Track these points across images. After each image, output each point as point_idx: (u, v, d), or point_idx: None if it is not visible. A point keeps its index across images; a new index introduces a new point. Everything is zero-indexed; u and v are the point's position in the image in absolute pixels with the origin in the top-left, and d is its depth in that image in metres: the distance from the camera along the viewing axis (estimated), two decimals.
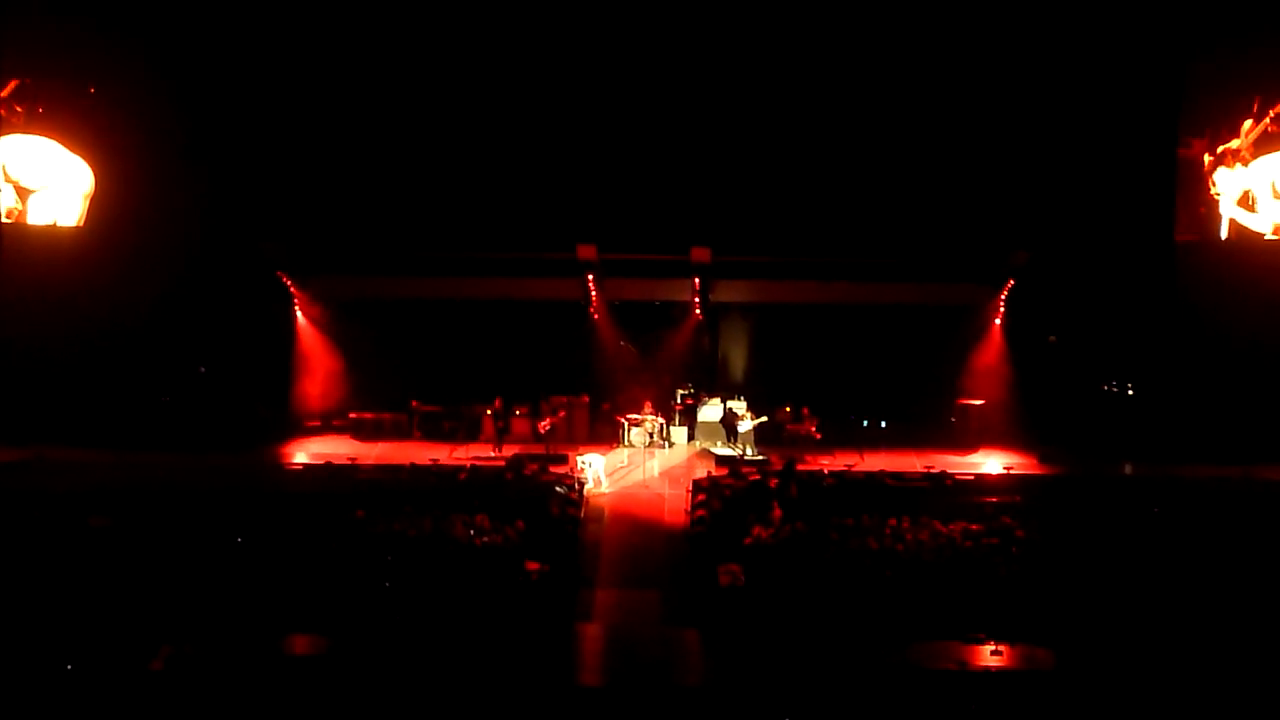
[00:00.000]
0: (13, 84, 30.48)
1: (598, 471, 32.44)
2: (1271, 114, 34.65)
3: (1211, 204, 35.66)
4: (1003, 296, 38.60)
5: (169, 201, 35.45)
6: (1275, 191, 35.03)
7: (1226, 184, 35.28)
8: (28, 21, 34.90)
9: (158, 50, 34.90)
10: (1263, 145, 35.02)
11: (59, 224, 35.70)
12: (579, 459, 33.05)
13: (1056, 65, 35.07)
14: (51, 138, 35.41)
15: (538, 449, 35.09)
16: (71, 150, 35.51)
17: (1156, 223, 35.92)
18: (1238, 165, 34.93)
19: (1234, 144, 34.97)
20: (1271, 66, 34.96)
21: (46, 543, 24.74)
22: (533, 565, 24.72)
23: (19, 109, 32.90)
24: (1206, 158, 35.10)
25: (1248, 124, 34.93)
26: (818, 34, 35.61)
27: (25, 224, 35.78)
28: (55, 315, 35.11)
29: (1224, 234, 35.78)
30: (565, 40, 35.71)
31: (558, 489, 30.05)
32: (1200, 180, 35.58)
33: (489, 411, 36.67)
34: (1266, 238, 35.57)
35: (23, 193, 35.30)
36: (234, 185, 36.00)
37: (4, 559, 23.71)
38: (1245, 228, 35.62)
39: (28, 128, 34.97)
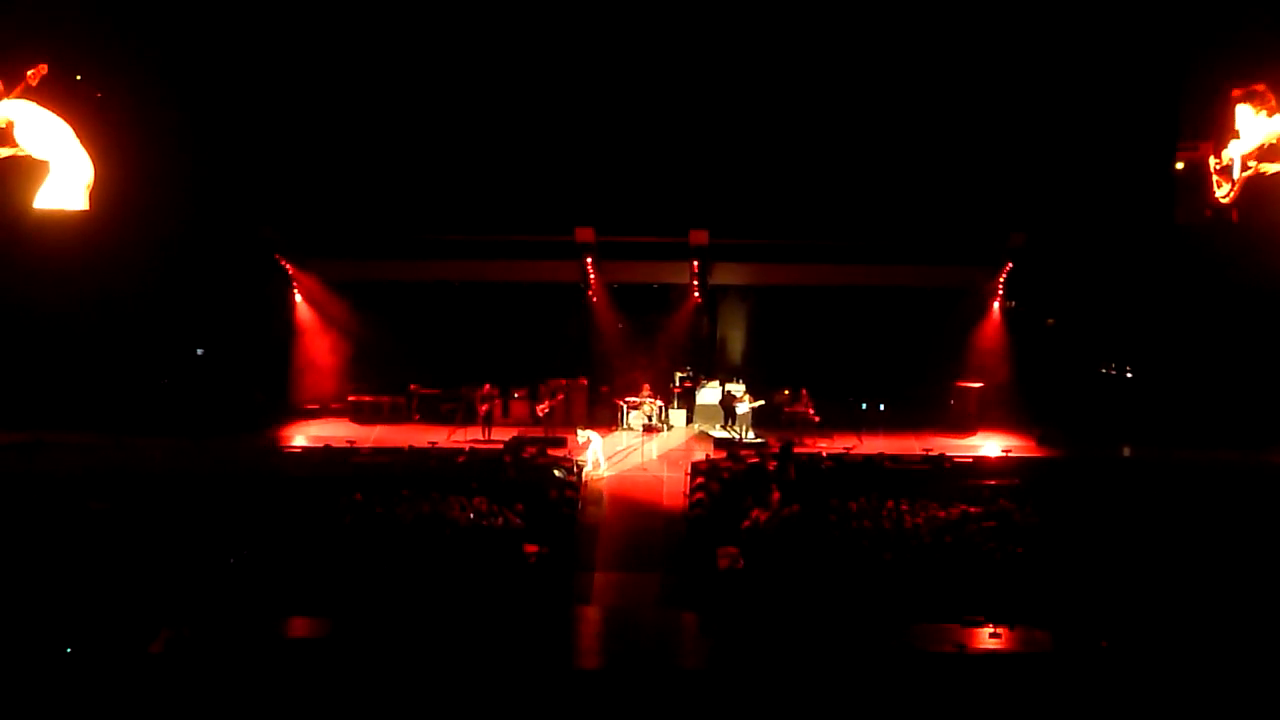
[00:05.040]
0: (42, 69, 29.98)
1: (597, 453, 32.44)
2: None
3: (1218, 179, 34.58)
4: (1001, 278, 38.56)
5: (167, 185, 35.18)
6: None
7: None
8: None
9: (157, 34, 34.67)
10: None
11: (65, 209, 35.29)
12: (579, 431, 33.08)
13: (1053, 44, 34.89)
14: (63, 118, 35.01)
15: (536, 432, 35.07)
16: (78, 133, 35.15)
17: (1155, 203, 35.77)
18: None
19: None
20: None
21: (46, 526, 24.77)
22: (531, 548, 24.78)
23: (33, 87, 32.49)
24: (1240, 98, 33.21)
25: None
26: (815, 17, 35.49)
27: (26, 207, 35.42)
28: (53, 299, 34.97)
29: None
30: (563, 21, 35.59)
31: (556, 472, 30.07)
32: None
33: (478, 395, 36.42)
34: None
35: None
36: (231, 168, 35.78)
37: (3, 542, 23.75)
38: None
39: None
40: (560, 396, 36.95)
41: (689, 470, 31.14)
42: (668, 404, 37.36)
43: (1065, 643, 20.52)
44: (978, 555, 23.69)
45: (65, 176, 32.93)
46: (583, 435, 32.85)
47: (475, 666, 19.65)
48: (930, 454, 32.65)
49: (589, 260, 38.39)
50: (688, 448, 34.57)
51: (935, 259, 38.21)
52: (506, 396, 37.34)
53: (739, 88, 36.04)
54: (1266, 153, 29.83)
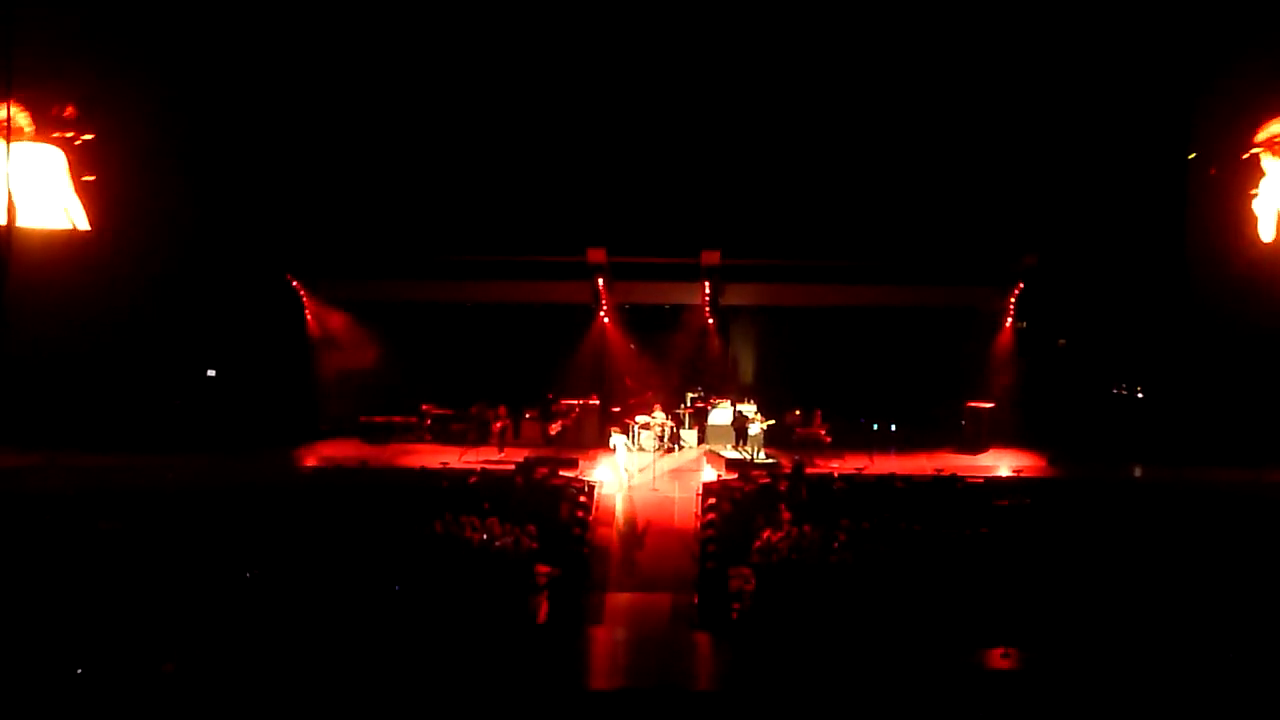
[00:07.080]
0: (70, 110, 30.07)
1: (627, 463, 32.59)
2: None
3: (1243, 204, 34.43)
4: (1012, 299, 38.55)
5: (179, 206, 35.34)
6: None
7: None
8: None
9: (166, 54, 34.74)
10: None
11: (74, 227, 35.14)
12: (612, 438, 33.23)
13: (1066, 67, 34.96)
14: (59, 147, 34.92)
15: (547, 452, 35.08)
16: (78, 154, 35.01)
17: (1167, 225, 35.77)
18: None
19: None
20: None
21: (57, 546, 24.79)
22: (543, 569, 24.78)
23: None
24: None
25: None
26: (827, 38, 35.56)
27: (36, 227, 35.41)
28: (65, 319, 34.98)
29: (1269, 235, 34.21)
30: (575, 44, 35.70)
31: (568, 492, 30.05)
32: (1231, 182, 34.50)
33: (490, 416, 36.49)
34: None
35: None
36: (243, 189, 35.87)
37: (15, 562, 23.78)
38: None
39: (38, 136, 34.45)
40: (572, 417, 36.98)
41: (700, 491, 31.10)
42: (679, 424, 37.34)
43: (1075, 663, 20.50)
44: (988, 576, 23.67)
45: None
46: (614, 441, 33.01)
47: (488, 687, 19.66)
48: (942, 474, 32.60)
49: (600, 281, 38.41)
50: (699, 468, 34.53)
51: (947, 279, 38.24)
52: (518, 417, 37.34)
53: (751, 109, 36.14)
54: None
